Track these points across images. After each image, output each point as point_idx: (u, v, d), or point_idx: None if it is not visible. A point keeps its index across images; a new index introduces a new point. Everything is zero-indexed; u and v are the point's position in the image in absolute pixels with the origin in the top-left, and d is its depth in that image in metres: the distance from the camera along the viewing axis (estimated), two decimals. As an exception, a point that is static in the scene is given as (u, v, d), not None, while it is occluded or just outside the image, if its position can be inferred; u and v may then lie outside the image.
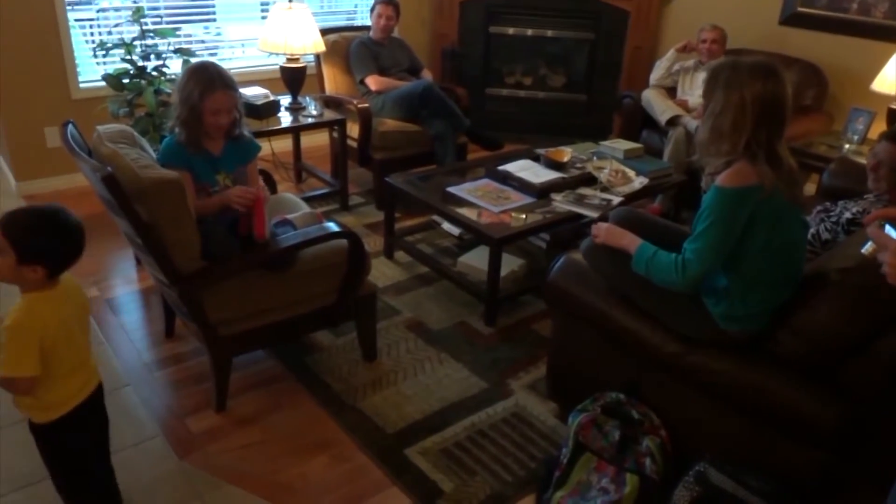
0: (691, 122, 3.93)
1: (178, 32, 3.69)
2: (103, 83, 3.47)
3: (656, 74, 4.39)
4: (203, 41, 4.55)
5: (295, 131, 3.99)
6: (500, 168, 3.40)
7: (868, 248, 1.16)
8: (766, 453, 1.82)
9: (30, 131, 3.94)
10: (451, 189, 3.26)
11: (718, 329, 1.87)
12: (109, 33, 3.84)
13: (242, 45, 4.75)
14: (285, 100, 3.88)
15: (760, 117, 1.78)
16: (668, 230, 2.18)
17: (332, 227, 2.47)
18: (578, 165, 3.47)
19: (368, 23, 4.33)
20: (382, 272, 3.34)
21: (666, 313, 1.96)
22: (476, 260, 3.18)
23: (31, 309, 1.57)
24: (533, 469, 2.26)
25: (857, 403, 1.66)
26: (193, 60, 3.23)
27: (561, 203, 3.15)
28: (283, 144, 4.42)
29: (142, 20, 3.38)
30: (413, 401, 2.55)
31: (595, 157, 3.55)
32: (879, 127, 3.75)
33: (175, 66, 3.53)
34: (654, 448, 2.01)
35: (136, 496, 2.08)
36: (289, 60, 3.82)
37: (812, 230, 2.50)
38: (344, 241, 2.46)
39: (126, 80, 3.40)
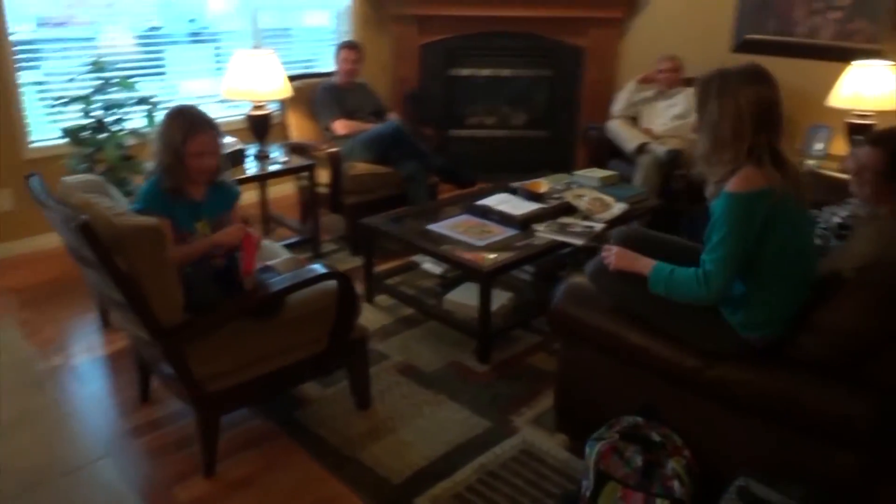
0: (659, 149, 3.97)
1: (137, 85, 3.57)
2: (55, 141, 3.32)
3: (619, 106, 4.45)
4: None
5: (264, 179, 3.88)
6: (479, 203, 3.35)
7: None
8: (799, 461, 1.75)
9: (-22, 196, 3.74)
10: (432, 227, 3.19)
11: (738, 338, 1.81)
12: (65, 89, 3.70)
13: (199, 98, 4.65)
14: (250, 149, 3.78)
15: (759, 121, 1.78)
16: (672, 245, 2.14)
17: (320, 268, 2.35)
18: (556, 196, 3.44)
19: (329, 69, 4.30)
20: (365, 317, 3.17)
21: (683, 329, 1.90)
22: (463, 296, 3.09)
23: None
24: (550, 506, 2.15)
25: (887, 398, 1.61)
26: (158, 110, 3.12)
27: (544, 233, 3.10)
28: (249, 196, 4.29)
29: (102, 72, 3.27)
30: (415, 447, 2.41)
31: (574, 186, 3.53)
32: (838, 141, 3.86)
33: (137, 119, 3.41)
34: (681, 469, 1.92)
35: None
36: (255, 108, 3.73)
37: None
38: (333, 284, 2.35)
39: (85, 134, 3.26)
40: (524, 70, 5.30)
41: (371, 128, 4.06)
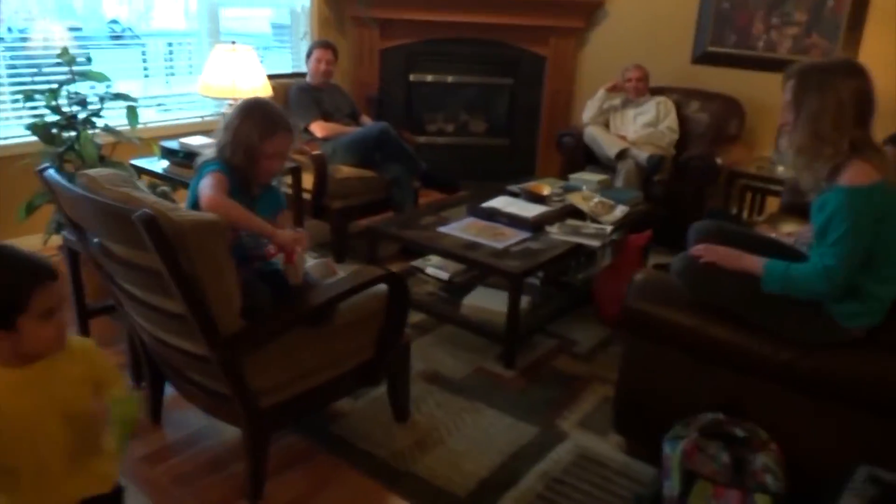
0: (641, 155, 4.05)
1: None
2: (12, 140, 2.95)
3: (589, 113, 4.50)
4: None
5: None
6: (485, 205, 3.28)
7: None
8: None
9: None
10: (443, 230, 3.07)
11: (840, 329, 1.83)
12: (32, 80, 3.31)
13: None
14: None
15: (858, 114, 1.80)
16: (753, 239, 2.15)
17: (376, 270, 2.19)
18: (557, 198, 3.42)
19: (298, 70, 4.10)
20: (373, 326, 3.05)
21: (781, 322, 1.90)
22: (481, 301, 2.99)
23: None
24: (628, 510, 2.09)
25: None
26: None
27: (559, 235, 3.06)
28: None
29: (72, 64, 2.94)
30: (469, 457, 2.29)
31: (583, 188, 3.53)
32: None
33: (111, 114, 3.10)
34: (772, 463, 1.91)
35: None
36: (232, 106, 3.48)
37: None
38: (382, 287, 2.20)
39: (55, 131, 2.91)
40: (485, 77, 5.29)
41: (351, 130, 3.90)
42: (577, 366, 2.87)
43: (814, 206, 1.88)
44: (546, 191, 3.40)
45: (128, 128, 3.14)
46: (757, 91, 4.39)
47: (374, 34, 4.92)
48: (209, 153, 2.21)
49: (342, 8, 4.83)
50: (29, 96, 2.93)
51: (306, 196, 3.67)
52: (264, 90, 3.50)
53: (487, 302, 2.96)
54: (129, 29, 4.41)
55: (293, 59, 4.76)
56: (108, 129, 3.06)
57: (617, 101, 4.51)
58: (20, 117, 3.28)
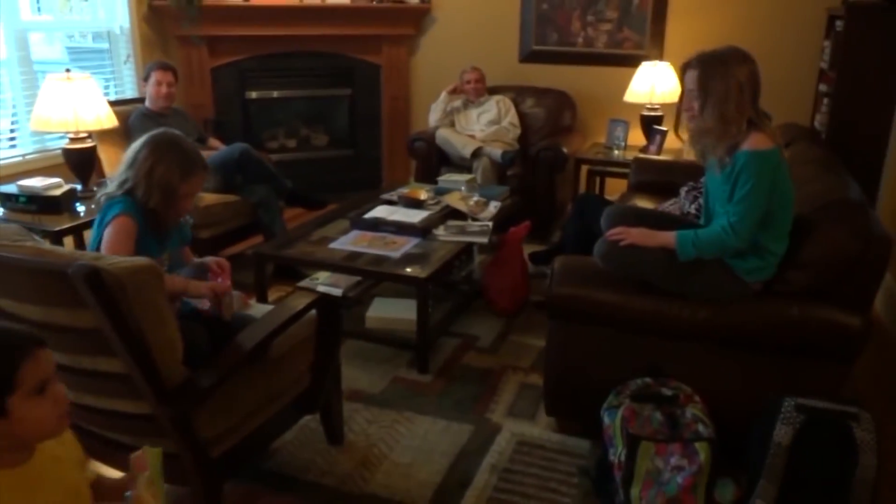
0: (494, 152, 4.25)
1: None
2: None
3: (435, 116, 4.63)
4: None
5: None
6: (368, 216, 3.27)
7: None
8: (796, 383, 2.07)
9: None
10: (334, 245, 3.03)
11: (743, 284, 2.09)
12: None
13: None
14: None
15: (753, 94, 2.05)
16: (658, 216, 2.36)
17: (302, 299, 2.12)
18: (433, 202, 3.50)
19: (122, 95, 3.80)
20: (274, 354, 2.92)
21: (694, 285, 2.12)
22: (385, 311, 2.99)
23: None
24: (579, 483, 2.22)
25: (866, 310, 2.01)
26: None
27: (447, 236, 3.14)
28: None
29: None
30: (418, 466, 2.29)
31: (462, 189, 3.63)
32: (635, 133, 4.51)
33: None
34: (700, 413, 2.13)
35: None
36: (73, 140, 3.15)
37: (692, 206, 2.92)
38: (311, 313, 2.13)
39: None
40: (322, 90, 5.23)
41: (208, 154, 3.68)
42: (486, 359, 2.98)
43: (719, 178, 2.11)
44: (423, 195, 3.46)
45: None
46: (582, 84, 4.79)
47: (203, 53, 4.67)
48: (111, 188, 2.02)
49: (165, 27, 4.53)
50: None
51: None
52: (109, 120, 3.22)
53: (391, 311, 2.97)
54: None
55: (115, 84, 4.39)
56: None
57: (458, 102, 4.68)
58: None
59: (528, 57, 4.97)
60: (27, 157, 3.75)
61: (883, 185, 3.56)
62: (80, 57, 4.52)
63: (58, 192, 2.93)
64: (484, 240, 3.14)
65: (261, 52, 4.87)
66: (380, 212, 3.33)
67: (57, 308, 1.57)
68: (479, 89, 4.63)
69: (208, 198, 3.54)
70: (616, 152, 4.45)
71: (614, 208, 2.49)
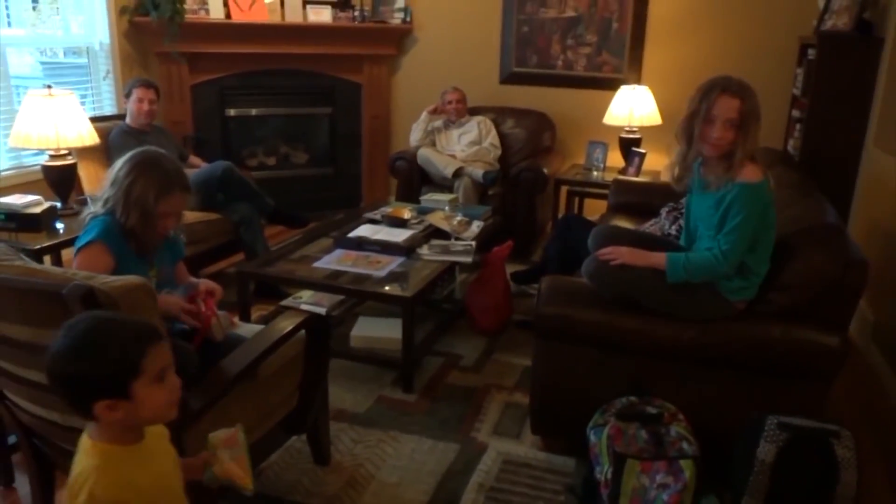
0: (476, 172, 4.29)
1: None
2: None
3: (416, 136, 4.67)
4: None
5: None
6: (352, 235, 3.27)
7: None
8: (782, 401, 2.12)
9: None
10: (318, 264, 3.02)
11: (728, 304, 2.14)
12: None
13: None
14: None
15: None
16: (645, 237, 2.40)
17: (294, 317, 2.12)
18: (416, 221, 3.52)
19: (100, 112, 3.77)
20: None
21: (681, 305, 2.16)
22: (369, 330, 2.99)
23: (109, 468, 1.20)
24: (565, 501, 2.24)
25: (843, 330, 2.07)
26: None
27: (431, 256, 3.16)
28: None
29: None
30: (405, 486, 2.29)
31: (446, 209, 3.65)
32: (614, 155, 4.59)
33: None
34: (684, 431, 2.16)
35: None
36: (53, 158, 3.12)
37: (673, 226, 2.98)
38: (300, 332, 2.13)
39: None
40: (303, 108, 5.24)
41: (189, 172, 3.66)
42: (470, 378, 2.99)
43: (707, 201, 2.16)
44: (406, 214, 3.48)
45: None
46: (562, 105, 4.86)
47: (183, 70, 4.66)
48: (96, 207, 2.01)
49: (146, 43, 4.51)
50: None
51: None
52: (90, 137, 3.19)
53: (376, 331, 2.98)
54: None
55: (93, 100, 4.35)
56: None
57: (439, 122, 4.72)
58: None
59: (509, 78, 5.04)
60: (2, 173, 3.70)
61: (853, 209, 3.67)
62: (55, 73, 4.48)
63: (38, 210, 2.89)
64: (468, 259, 3.17)
65: (241, 69, 4.87)
66: (363, 231, 3.34)
67: (48, 329, 1.54)
68: (460, 110, 4.68)
69: (190, 216, 3.51)
70: (595, 173, 4.53)
71: (603, 228, 2.54)
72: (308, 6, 4.85)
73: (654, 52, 4.64)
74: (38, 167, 3.22)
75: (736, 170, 2.07)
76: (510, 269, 3.78)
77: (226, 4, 4.58)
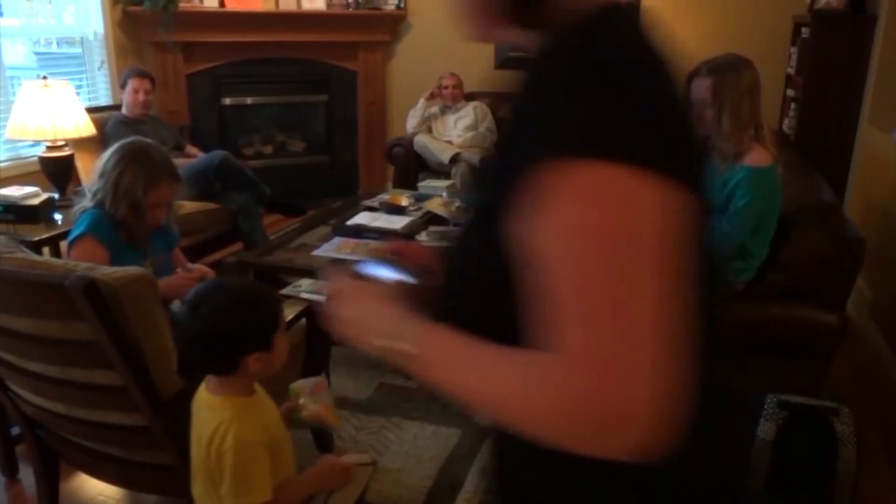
0: (473, 157, 4.29)
1: None
2: None
3: (413, 122, 4.66)
4: None
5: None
6: (350, 223, 3.28)
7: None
8: (781, 380, 2.14)
9: None
10: (317, 252, 3.03)
11: (727, 284, 2.15)
12: None
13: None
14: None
15: (757, 100, 2.10)
16: None
17: (295, 306, 2.13)
18: (414, 208, 3.52)
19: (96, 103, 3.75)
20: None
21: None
22: (370, 317, 2.99)
23: (249, 417, 1.35)
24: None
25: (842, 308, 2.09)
26: None
27: (430, 242, 3.16)
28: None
29: None
30: (408, 472, 2.31)
31: (444, 195, 3.65)
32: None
33: None
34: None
35: None
36: (50, 149, 3.11)
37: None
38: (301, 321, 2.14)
39: None
40: (298, 96, 5.23)
41: (185, 162, 3.66)
42: (471, 363, 3.00)
43: (715, 182, 2.16)
44: (404, 201, 3.48)
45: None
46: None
47: (178, 59, 4.64)
48: (85, 201, 2.01)
49: (140, 33, 4.48)
50: None
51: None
52: (87, 128, 3.18)
53: (376, 317, 2.98)
54: None
55: (88, 90, 4.33)
56: None
57: (436, 108, 4.72)
58: None
59: (505, 63, 5.01)
60: (0, 165, 3.69)
61: (849, 187, 3.68)
62: (49, 63, 4.45)
63: (36, 202, 2.88)
64: (466, 245, 3.17)
65: (236, 58, 4.85)
66: (362, 218, 3.34)
67: (50, 320, 1.56)
68: (455, 95, 4.67)
69: (188, 206, 3.51)
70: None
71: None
72: (302, -7, 4.83)
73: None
74: (35, 158, 3.21)
75: (744, 146, 2.07)
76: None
77: (219, -8, 4.56)
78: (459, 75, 4.65)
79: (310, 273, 3.02)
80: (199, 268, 2.21)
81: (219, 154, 3.65)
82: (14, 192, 2.91)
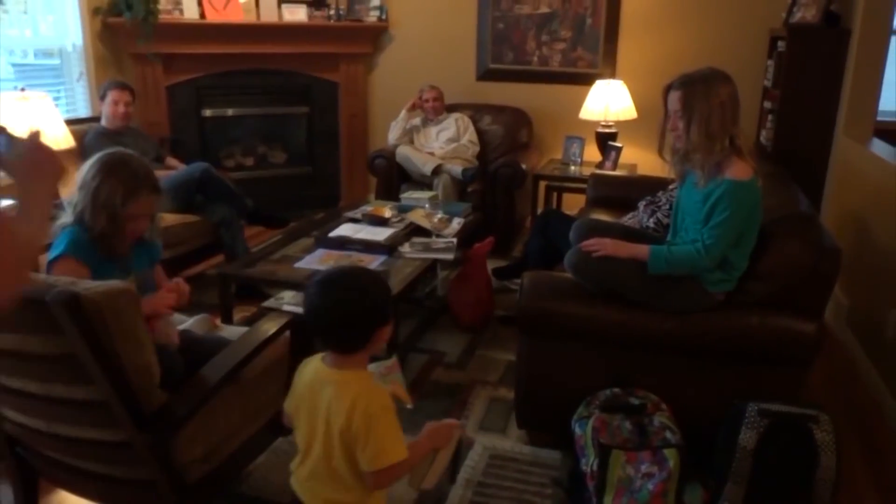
0: (455, 169, 4.30)
1: None
2: None
3: (395, 134, 4.67)
4: None
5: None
6: (333, 234, 3.27)
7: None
8: (762, 388, 2.16)
9: None
10: (299, 265, 3.02)
11: (709, 295, 2.18)
12: None
13: None
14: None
15: (735, 114, 2.14)
16: (624, 229, 2.43)
17: (278, 318, 2.12)
18: (397, 220, 3.52)
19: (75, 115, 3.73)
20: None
21: (663, 295, 2.20)
22: (353, 329, 2.99)
23: (376, 386, 1.52)
24: (553, 494, 2.26)
25: (819, 317, 2.12)
26: None
27: (413, 254, 3.17)
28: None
29: None
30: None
31: (426, 206, 3.66)
32: (591, 149, 4.63)
33: None
34: (667, 420, 2.20)
35: None
36: (28, 162, 3.08)
37: (650, 220, 3.02)
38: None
39: None
40: (280, 107, 5.22)
41: (166, 174, 3.64)
42: (454, 374, 3.01)
43: (695, 196, 2.19)
44: (387, 213, 3.49)
45: None
46: (538, 101, 4.89)
47: (158, 70, 4.62)
48: (66, 216, 1.99)
49: (119, 44, 4.46)
50: None
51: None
52: (66, 140, 3.16)
53: (359, 329, 2.97)
54: None
55: (67, 102, 4.29)
56: None
57: (417, 120, 4.73)
58: None
59: (485, 75, 5.06)
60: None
61: (825, 197, 3.75)
62: (26, 74, 4.41)
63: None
64: (450, 256, 3.19)
65: (217, 69, 4.84)
66: (345, 230, 3.34)
67: (31, 335, 1.54)
68: (436, 107, 4.68)
69: (169, 218, 3.49)
70: (573, 168, 4.56)
71: (585, 221, 2.57)
72: (283, 5, 4.83)
73: (627, 47, 4.68)
74: (12, 172, 3.17)
75: (721, 158, 2.10)
76: (491, 265, 3.81)
77: (200, 4, 4.55)
78: (440, 87, 4.67)
79: (292, 285, 3.02)
80: (177, 282, 2.18)
81: (200, 166, 3.64)
82: (-7, 204, 2.87)
